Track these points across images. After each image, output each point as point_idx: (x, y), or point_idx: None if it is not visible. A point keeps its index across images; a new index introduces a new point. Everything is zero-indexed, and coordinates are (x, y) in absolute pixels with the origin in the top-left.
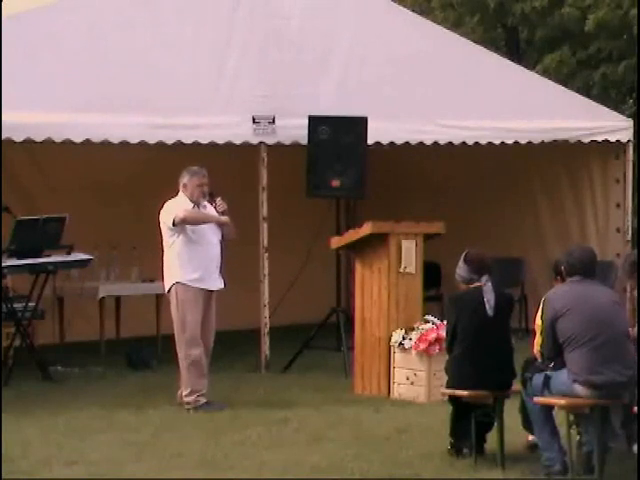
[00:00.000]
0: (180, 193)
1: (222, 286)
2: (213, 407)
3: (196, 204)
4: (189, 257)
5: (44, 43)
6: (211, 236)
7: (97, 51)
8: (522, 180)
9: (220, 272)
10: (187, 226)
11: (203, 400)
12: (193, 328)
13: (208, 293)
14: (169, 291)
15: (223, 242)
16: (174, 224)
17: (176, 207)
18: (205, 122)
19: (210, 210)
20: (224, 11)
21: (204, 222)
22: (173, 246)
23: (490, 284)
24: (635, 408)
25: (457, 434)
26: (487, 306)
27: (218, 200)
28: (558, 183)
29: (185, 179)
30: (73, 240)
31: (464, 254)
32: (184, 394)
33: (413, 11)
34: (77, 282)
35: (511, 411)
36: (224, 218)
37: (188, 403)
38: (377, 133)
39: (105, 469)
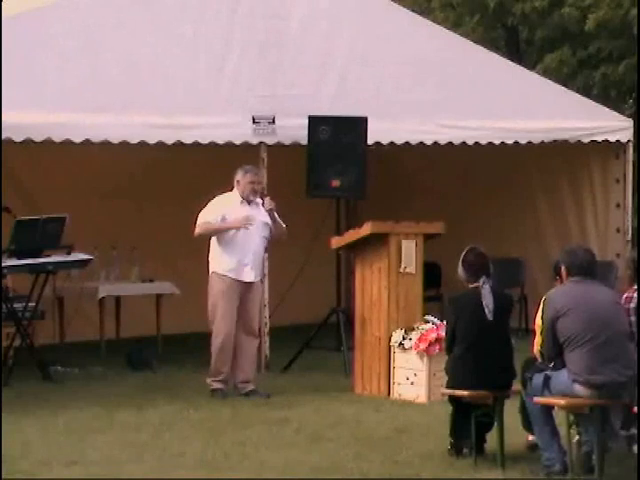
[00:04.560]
0: (234, 189)
1: (254, 279)
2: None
3: (246, 200)
4: (222, 250)
5: (44, 43)
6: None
7: (97, 51)
8: (522, 180)
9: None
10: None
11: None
12: (221, 315)
13: (243, 284)
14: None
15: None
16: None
17: (217, 206)
18: (205, 122)
19: (259, 208)
20: (224, 11)
21: (218, 232)
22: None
23: (487, 286)
24: (635, 408)
25: (457, 434)
26: (486, 310)
27: (266, 199)
28: (558, 183)
29: (238, 176)
30: (73, 240)
31: (464, 253)
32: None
33: (413, 11)
34: (77, 282)
35: (511, 411)
36: (238, 223)
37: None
38: (377, 133)
39: (105, 469)
